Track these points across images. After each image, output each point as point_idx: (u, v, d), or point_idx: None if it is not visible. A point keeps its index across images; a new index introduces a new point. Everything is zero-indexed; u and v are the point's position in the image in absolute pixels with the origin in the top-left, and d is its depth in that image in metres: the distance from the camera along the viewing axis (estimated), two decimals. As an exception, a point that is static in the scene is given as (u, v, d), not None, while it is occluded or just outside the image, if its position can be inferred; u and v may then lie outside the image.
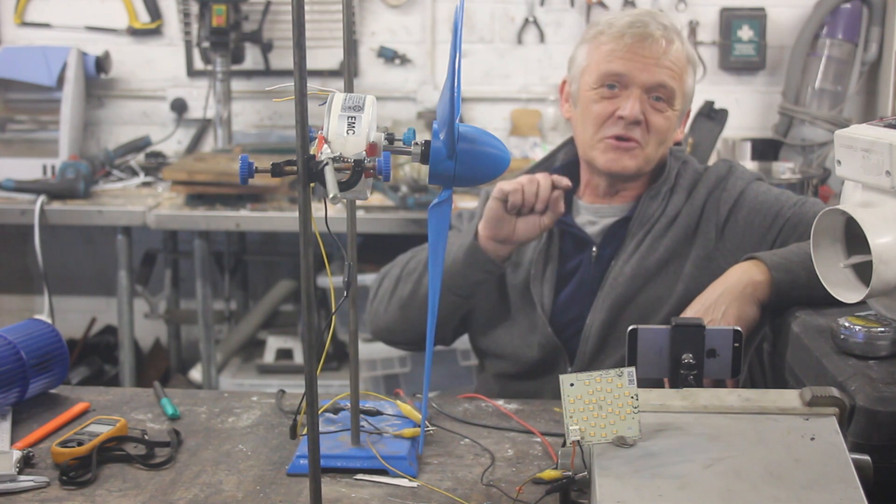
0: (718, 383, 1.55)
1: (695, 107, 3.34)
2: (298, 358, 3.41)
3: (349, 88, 1.26)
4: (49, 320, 1.74)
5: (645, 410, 1.12)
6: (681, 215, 1.81)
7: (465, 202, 2.93)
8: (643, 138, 1.79)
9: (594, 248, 1.85)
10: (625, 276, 1.79)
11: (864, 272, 1.30)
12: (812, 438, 1.08)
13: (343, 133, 1.11)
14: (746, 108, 3.61)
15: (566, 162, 1.93)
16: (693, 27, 3.58)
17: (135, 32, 3.70)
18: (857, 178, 1.31)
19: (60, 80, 3.46)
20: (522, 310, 1.87)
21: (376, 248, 3.31)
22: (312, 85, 1.04)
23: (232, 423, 1.51)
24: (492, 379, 1.93)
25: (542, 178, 1.74)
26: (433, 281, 1.16)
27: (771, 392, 1.17)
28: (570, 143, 1.94)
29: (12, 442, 1.41)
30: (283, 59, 3.66)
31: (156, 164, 3.55)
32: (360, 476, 1.33)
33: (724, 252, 1.78)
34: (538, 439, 1.44)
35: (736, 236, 1.79)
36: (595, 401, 1.09)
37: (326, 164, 1.06)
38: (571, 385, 1.10)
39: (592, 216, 1.88)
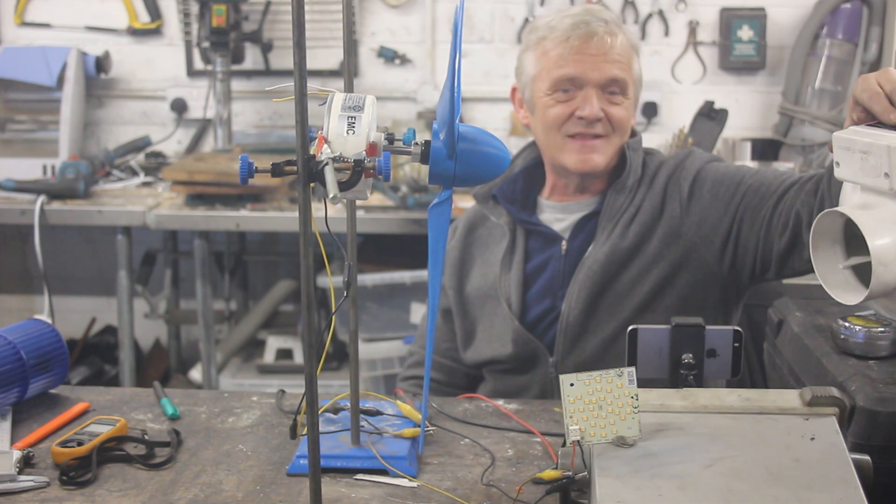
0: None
1: (695, 107, 3.37)
2: (298, 358, 3.41)
3: (349, 88, 1.26)
4: (49, 320, 1.74)
5: (645, 410, 1.12)
6: (646, 201, 1.84)
7: (465, 202, 2.93)
8: (606, 131, 1.83)
9: (564, 242, 1.87)
10: (599, 263, 1.80)
11: (863, 273, 1.30)
12: (812, 438, 1.08)
13: (343, 133, 1.11)
14: (746, 108, 3.61)
15: (526, 166, 1.96)
16: (693, 27, 3.57)
17: (135, 32, 3.70)
18: (856, 179, 1.31)
19: (60, 80, 3.46)
20: (492, 311, 1.89)
21: (376, 248, 3.32)
22: (312, 85, 1.04)
23: (232, 423, 1.51)
24: (484, 379, 1.95)
25: None
26: (433, 280, 1.16)
27: (771, 392, 1.17)
28: (529, 147, 1.97)
29: (12, 442, 1.41)
30: (283, 59, 3.65)
31: (156, 164, 3.55)
32: (360, 476, 1.33)
33: (689, 226, 1.80)
34: (538, 439, 1.44)
35: (702, 209, 1.80)
36: (595, 401, 1.09)
37: (326, 164, 1.06)
38: (571, 385, 1.10)
39: (560, 213, 1.91)
